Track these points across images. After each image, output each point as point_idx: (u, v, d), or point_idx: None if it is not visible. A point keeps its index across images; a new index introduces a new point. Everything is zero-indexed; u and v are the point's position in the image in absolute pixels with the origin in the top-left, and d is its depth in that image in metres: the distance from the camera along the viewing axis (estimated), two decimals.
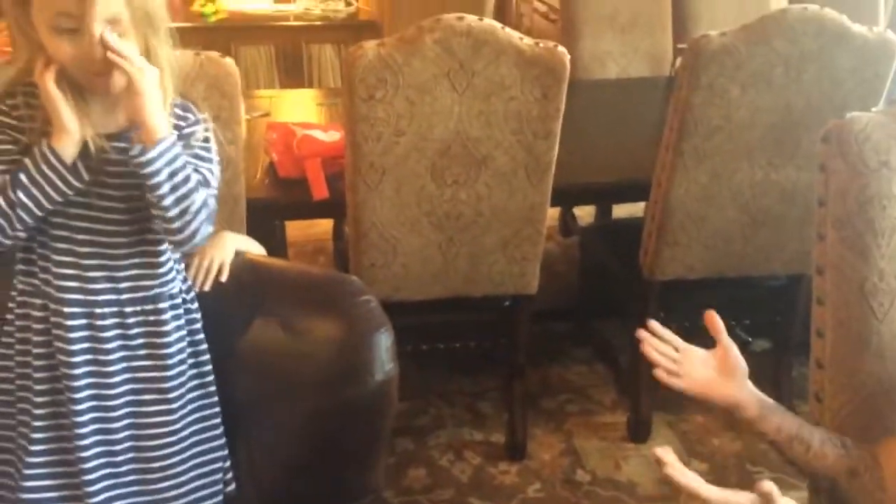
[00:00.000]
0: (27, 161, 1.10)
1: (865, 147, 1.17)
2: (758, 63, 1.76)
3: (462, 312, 2.04)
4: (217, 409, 1.26)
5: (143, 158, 1.08)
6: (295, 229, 2.88)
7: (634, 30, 3.06)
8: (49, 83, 1.07)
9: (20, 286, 1.19)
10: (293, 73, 3.74)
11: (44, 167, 1.09)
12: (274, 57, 3.76)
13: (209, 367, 1.26)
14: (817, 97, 1.80)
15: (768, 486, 0.89)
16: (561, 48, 1.67)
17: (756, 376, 2.48)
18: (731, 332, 2.60)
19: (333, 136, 1.99)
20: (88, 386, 1.18)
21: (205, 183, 1.17)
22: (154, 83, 1.08)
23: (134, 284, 1.19)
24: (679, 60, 2.16)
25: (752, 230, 1.95)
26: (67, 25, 1.03)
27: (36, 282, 1.18)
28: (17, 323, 1.19)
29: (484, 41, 1.62)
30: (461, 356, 2.27)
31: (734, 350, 1.14)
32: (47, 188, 1.10)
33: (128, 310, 1.19)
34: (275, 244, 2.28)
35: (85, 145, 1.11)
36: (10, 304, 1.20)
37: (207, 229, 1.17)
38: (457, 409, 2.25)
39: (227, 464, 1.27)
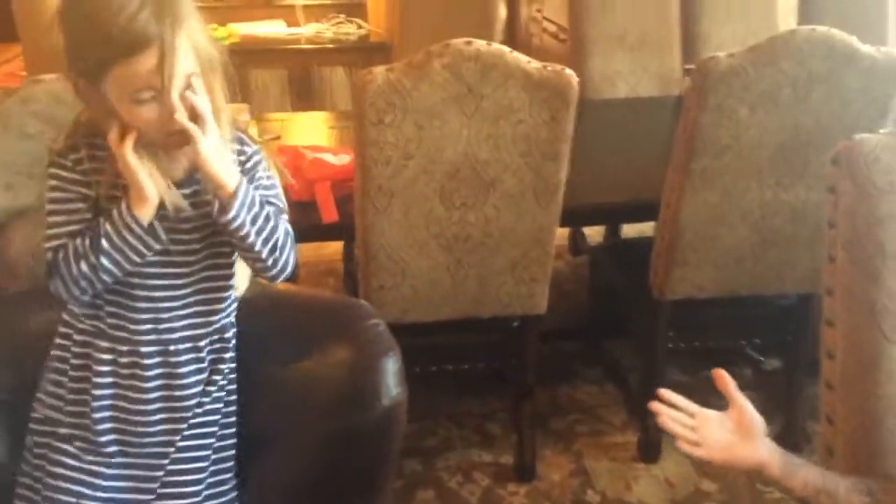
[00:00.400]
0: (108, 227, 1.10)
1: (875, 169, 1.17)
2: (766, 84, 1.76)
3: (471, 333, 2.04)
4: (234, 441, 1.26)
5: (225, 218, 1.11)
6: (306, 250, 2.89)
7: (643, 49, 3.07)
8: (129, 155, 1.07)
9: (81, 326, 1.19)
10: (305, 97, 3.78)
11: (125, 233, 1.10)
12: (286, 80, 3.79)
13: (234, 398, 1.26)
14: (826, 117, 1.80)
15: None
16: (569, 71, 1.68)
17: (768, 395, 2.47)
18: (743, 352, 2.60)
19: (343, 159, 2.01)
20: (161, 421, 1.20)
21: (278, 211, 1.20)
22: (216, 143, 1.08)
23: (206, 320, 1.21)
24: (688, 81, 2.17)
25: (762, 249, 1.95)
26: (147, 96, 1.03)
27: (102, 325, 1.18)
28: (74, 361, 1.20)
29: (492, 65, 1.63)
30: (470, 377, 2.27)
31: (748, 408, 1.10)
32: (129, 253, 1.11)
33: (201, 343, 1.21)
34: None
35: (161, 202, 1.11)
36: (64, 342, 1.20)
37: (294, 256, 1.20)
38: (466, 431, 2.24)
39: (236, 493, 1.27)
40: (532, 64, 1.66)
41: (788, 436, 2.15)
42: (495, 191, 1.75)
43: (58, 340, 1.21)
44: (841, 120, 1.80)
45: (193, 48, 1.05)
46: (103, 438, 1.19)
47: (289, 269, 1.19)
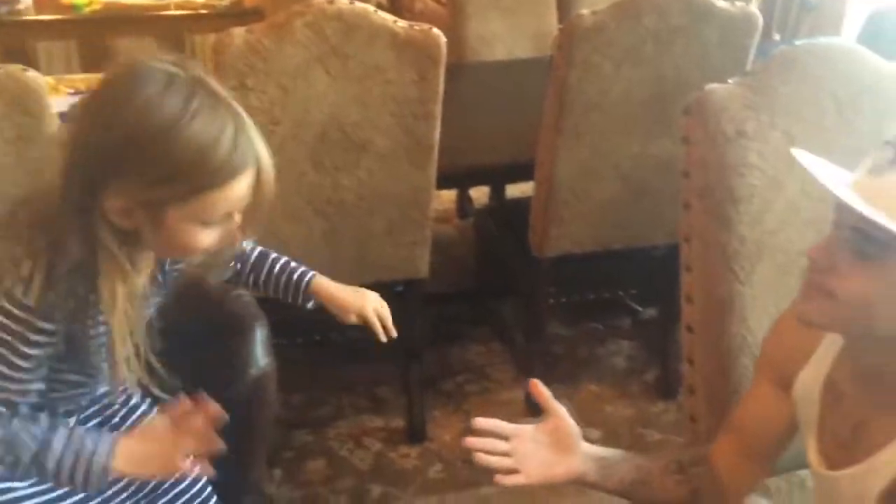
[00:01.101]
0: (67, 456, 0.98)
1: (723, 118, 1.21)
2: (629, 39, 1.80)
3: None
4: None
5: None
6: None
7: (520, 11, 3.09)
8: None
9: None
10: None
11: (78, 472, 0.99)
12: (156, 48, 3.61)
13: None
14: (687, 71, 1.86)
15: None
16: (436, 30, 1.66)
17: (645, 343, 2.55)
18: (621, 302, 2.68)
19: None
20: None
21: None
22: None
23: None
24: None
25: (633, 202, 2.00)
26: (219, 219, 0.97)
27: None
28: None
29: (356, 25, 1.59)
30: (357, 344, 2.25)
31: (564, 416, 1.09)
32: (65, 483, 1.00)
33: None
34: None
35: None
36: None
37: None
38: (355, 398, 2.23)
39: None
40: (399, 23, 1.64)
41: (664, 380, 2.25)
42: (367, 153, 1.72)
43: None
44: (701, 73, 1.86)
45: None
46: None
47: None
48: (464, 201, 3.30)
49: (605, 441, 2.07)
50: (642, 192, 1.99)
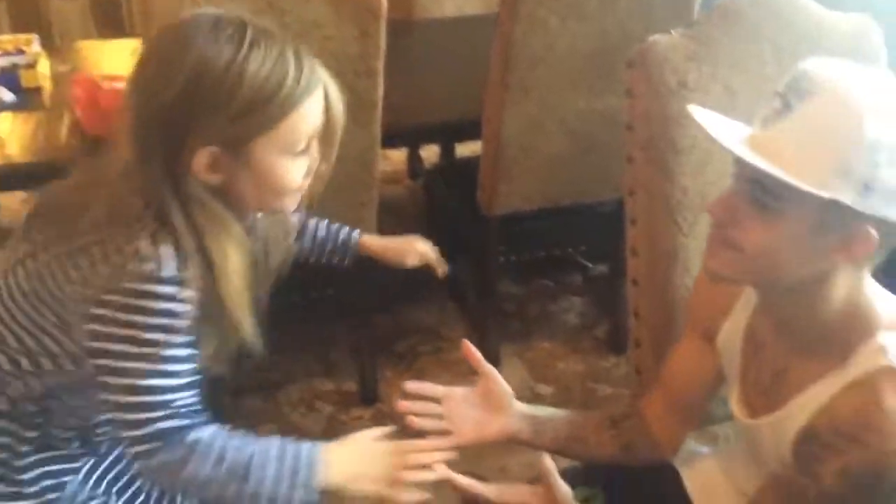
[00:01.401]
0: (273, 470, 0.93)
1: (665, 69, 1.21)
2: None
3: (304, 264, 1.99)
4: None
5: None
6: None
7: None
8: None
9: None
10: (112, 24, 3.48)
11: (283, 486, 0.94)
12: (88, 7, 3.48)
13: None
14: (631, 24, 1.84)
15: (548, 463, 0.91)
16: None
17: (596, 299, 2.57)
18: (572, 259, 2.69)
19: None
20: None
21: None
22: None
23: None
24: None
25: (580, 158, 2.00)
26: (303, 147, 0.96)
27: None
28: None
29: None
30: (308, 308, 2.23)
31: (496, 377, 1.10)
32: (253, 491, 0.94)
33: None
34: None
35: None
36: None
37: None
38: (307, 362, 2.22)
39: None
40: None
41: (614, 335, 2.27)
42: None
43: None
44: (646, 26, 1.83)
45: None
46: None
47: None
48: (414, 161, 3.27)
49: (557, 397, 2.10)
50: (589, 147, 1.98)
